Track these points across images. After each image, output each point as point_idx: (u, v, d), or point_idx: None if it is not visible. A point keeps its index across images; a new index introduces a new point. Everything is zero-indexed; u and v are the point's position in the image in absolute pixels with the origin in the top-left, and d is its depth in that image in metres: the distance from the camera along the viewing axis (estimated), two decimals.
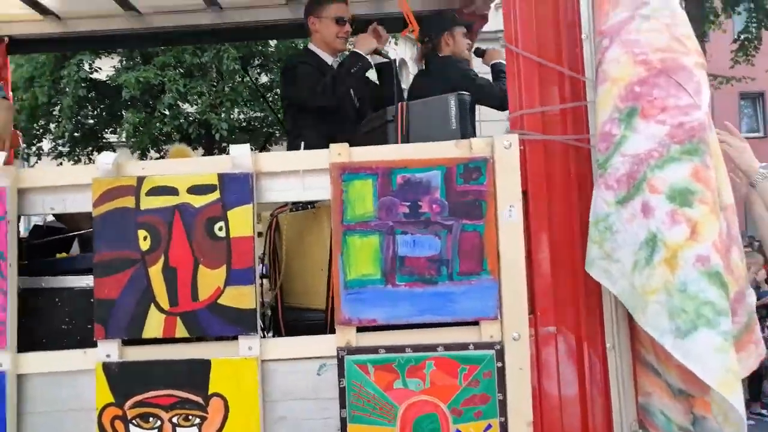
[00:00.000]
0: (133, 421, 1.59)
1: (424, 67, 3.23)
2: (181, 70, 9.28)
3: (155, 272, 1.63)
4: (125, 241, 1.63)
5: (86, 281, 1.75)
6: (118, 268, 1.63)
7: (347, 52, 3.06)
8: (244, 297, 1.62)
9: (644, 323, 1.43)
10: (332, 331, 1.70)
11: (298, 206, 2.01)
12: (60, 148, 10.17)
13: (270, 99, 10.54)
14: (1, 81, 4.02)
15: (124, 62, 9.47)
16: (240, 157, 1.67)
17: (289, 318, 1.92)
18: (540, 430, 1.64)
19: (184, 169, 1.69)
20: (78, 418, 1.62)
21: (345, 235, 1.65)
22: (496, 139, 1.69)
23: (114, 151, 11.12)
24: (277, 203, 2.03)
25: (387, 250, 1.65)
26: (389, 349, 1.62)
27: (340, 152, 1.68)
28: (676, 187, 1.41)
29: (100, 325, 1.61)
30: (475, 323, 1.65)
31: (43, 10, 4.07)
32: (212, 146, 9.63)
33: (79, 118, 9.84)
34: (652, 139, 1.45)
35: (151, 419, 1.60)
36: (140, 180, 1.65)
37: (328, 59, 2.90)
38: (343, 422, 1.60)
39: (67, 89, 8.69)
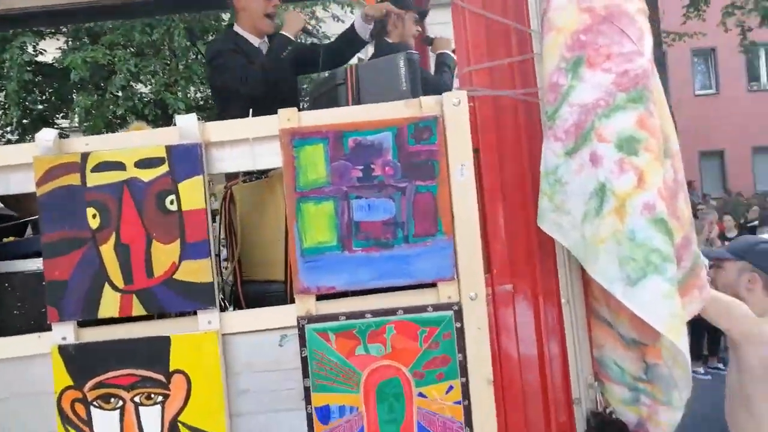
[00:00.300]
0: (94, 402, 1.57)
1: (373, 50, 3.14)
2: (132, 50, 8.98)
3: (107, 250, 1.59)
4: (73, 220, 1.59)
5: (37, 264, 1.71)
6: (67, 248, 1.59)
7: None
8: (200, 271, 1.60)
9: (595, 273, 1.46)
10: (293, 302, 1.70)
11: (251, 177, 1.98)
12: (8, 136, 9.80)
13: None
14: None
15: (70, 43, 9.10)
16: (187, 127, 1.63)
17: (248, 291, 1.90)
18: (500, 387, 1.67)
19: (130, 143, 1.64)
20: (36, 402, 1.59)
21: (299, 202, 1.63)
22: (445, 96, 1.68)
23: (67, 136, 10.82)
24: (229, 175, 2.00)
25: (342, 216, 1.64)
26: (349, 315, 1.62)
27: (289, 117, 1.66)
28: (623, 135, 1.43)
29: (53, 308, 1.57)
30: (433, 285, 1.66)
31: None
32: (168, 125, 9.37)
33: (26, 104, 9.46)
34: (598, 88, 1.46)
35: (112, 400, 1.58)
36: (84, 156, 1.60)
37: (255, 41, 2.67)
38: (307, 391, 1.60)
39: (11, 73, 8.31)
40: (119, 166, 1.61)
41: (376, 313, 1.63)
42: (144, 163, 1.61)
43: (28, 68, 8.64)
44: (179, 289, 1.60)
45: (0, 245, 1.84)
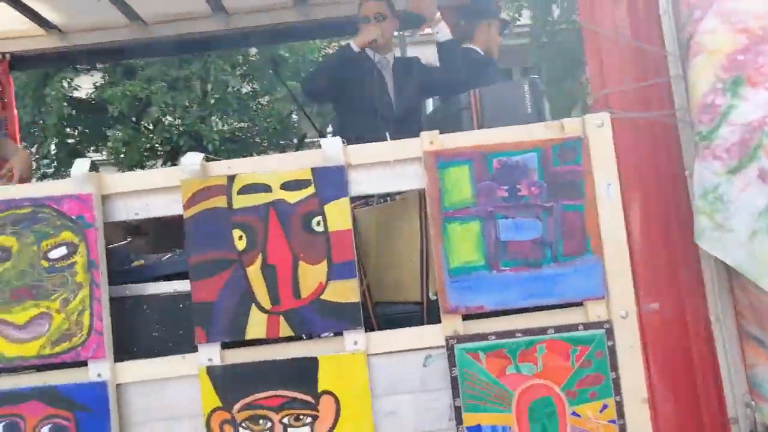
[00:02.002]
0: (243, 423, 1.54)
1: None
2: (165, 83, 9.12)
3: (254, 271, 1.57)
4: (220, 242, 1.57)
5: (173, 287, 1.69)
6: (214, 270, 1.57)
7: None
8: (347, 291, 1.58)
9: None
10: (429, 323, 1.66)
11: (372, 200, 1.97)
12: (44, 169, 9.90)
13: (253, 108, 10.46)
14: (5, 99, 3.90)
15: (108, 78, 9.27)
16: (332, 150, 1.62)
17: (378, 313, 1.87)
18: (653, 407, 1.62)
19: (274, 165, 1.64)
20: (183, 424, 1.55)
21: (445, 223, 1.61)
22: (587, 118, 1.67)
23: (97, 169, 10.92)
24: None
25: (489, 236, 1.62)
26: (500, 335, 1.59)
27: (432, 140, 1.65)
28: None
29: (201, 329, 1.55)
30: (580, 304, 1.62)
31: (46, 25, 3.96)
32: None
33: (63, 137, 9.59)
34: (763, 107, 1.45)
35: (261, 421, 1.54)
36: (231, 179, 1.59)
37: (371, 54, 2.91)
38: (458, 411, 1.56)
39: (52, 107, 8.45)
40: (265, 188, 1.60)
41: (526, 332, 1.59)
42: (290, 185, 1.60)
43: (65, 103, 8.79)
44: (326, 310, 1.57)
45: (129, 269, 1.82)
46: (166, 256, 2.37)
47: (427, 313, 1.74)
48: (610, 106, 1.76)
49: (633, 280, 1.66)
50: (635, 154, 1.74)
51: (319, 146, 1.64)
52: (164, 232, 2.61)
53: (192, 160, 1.60)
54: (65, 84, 9.04)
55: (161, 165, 10.62)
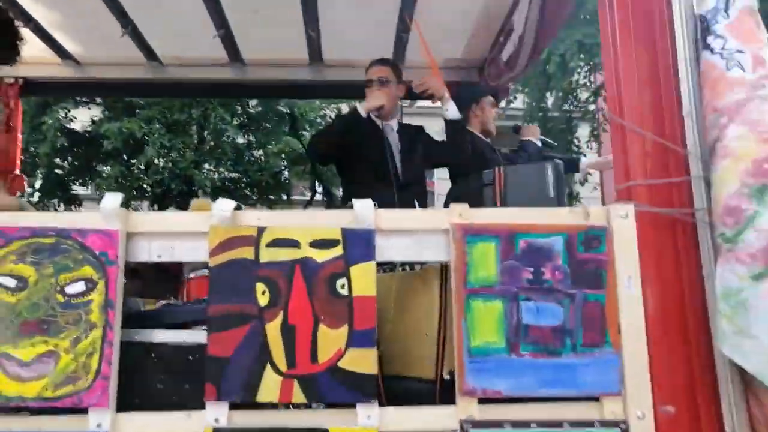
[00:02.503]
0: None
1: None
2: (163, 125, 9.17)
3: (273, 330, 1.53)
4: (243, 295, 1.54)
5: (183, 336, 1.64)
6: (233, 324, 1.53)
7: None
8: (365, 360, 1.54)
9: None
10: (441, 402, 1.62)
11: (387, 266, 1.95)
12: (27, 198, 9.72)
13: (247, 160, 10.51)
14: (11, 123, 3.87)
15: (107, 113, 9.29)
16: (363, 211, 1.62)
17: (387, 387, 1.82)
18: None
19: (304, 221, 1.63)
20: None
21: (469, 299, 1.60)
22: (612, 208, 1.71)
23: (81, 204, 10.74)
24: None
25: (511, 317, 1.61)
26: (514, 423, 1.55)
27: (461, 212, 1.66)
28: None
29: (212, 385, 1.49)
30: (595, 399, 1.60)
31: (63, 54, 3.99)
32: (188, 203, 9.41)
33: (49, 168, 9.49)
34: None
35: None
36: (261, 230, 1.57)
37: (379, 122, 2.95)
38: None
39: (47, 136, 8.39)
40: (294, 243, 1.58)
41: (541, 423, 1.55)
42: (319, 244, 1.59)
43: (59, 134, 8.74)
44: (342, 378, 1.52)
45: (140, 313, 1.76)
46: (160, 303, 2.31)
47: (441, 392, 1.70)
48: (633, 198, 1.80)
49: (650, 378, 1.66)
50: (655, 250, 1.77)
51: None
52: (160, 279, 2.55)
53: (224, 206, 1.58)
54: (62, 114, 9.04)
55: (148, 207, 10.53)
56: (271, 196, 10.37)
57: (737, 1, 1.78)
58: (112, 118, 8.86)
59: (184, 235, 1.60)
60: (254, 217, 1.62)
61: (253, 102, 10.01)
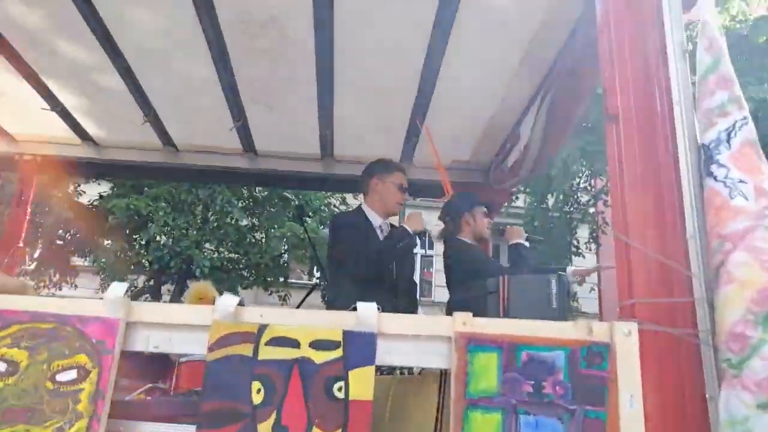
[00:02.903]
0: None
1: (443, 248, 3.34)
2: (169, 204, 9.31)
3: (265, 430, 1.49)
4: (238, 392, 1.51)
5: (169, 430, 1.59)
6: (224, 421, 1.49)
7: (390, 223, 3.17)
8: None
9: None
10: None
11: (385, 369, 1.93)
12: (24, 266, 9.72)
13: (249, 242, 10.58)
14: (23, 197, 3.94)
15: (115, 189, 9.46)
16: (366, 314, 1.62)
17: None
18: None
19: (306, 321, 1.62)
20: None
21: (467, 409, 1.57)
22: (616, 325, 1.70)
23: (77, 275, 10.70)
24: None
25: (509, 430, 1.56)
26: None
27: (465, 321, 1.66)
28: None
29: None
30: None
31: (83, 135, 4.13)
32: (186, 282, 9.39)
33: (50, 239, 9.55)
34: None
35: None
36: (262, 328, 1.57)
37: (377, 221, 2.97)
38: None
39: (52, 209, 8.52)
40: (294, 343, 1.57)
41: None
42: (319, 345, 1.57)
43: (65, 207, 8.88)
44: None
45: (125, 401, 1.72)
46: (145, 387, 2.26)
47: None
48: (635, 316, 1.80)
49: None
50: (658, 369, 1.75)
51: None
52: (148, 360, 2.49)
53: (228, 301, 1.59)
54: (71, 189, 9.21)
55: (144, 281, 10.50)
56: (269, 278, 10.36)
57: (739, 133, 1.86)
58: (121, 194, 9.02)
59: (184, 327, 1.59)
60: (257, 314, 1.62)
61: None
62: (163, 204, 8.74)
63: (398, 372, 1.89)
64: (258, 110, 3.85)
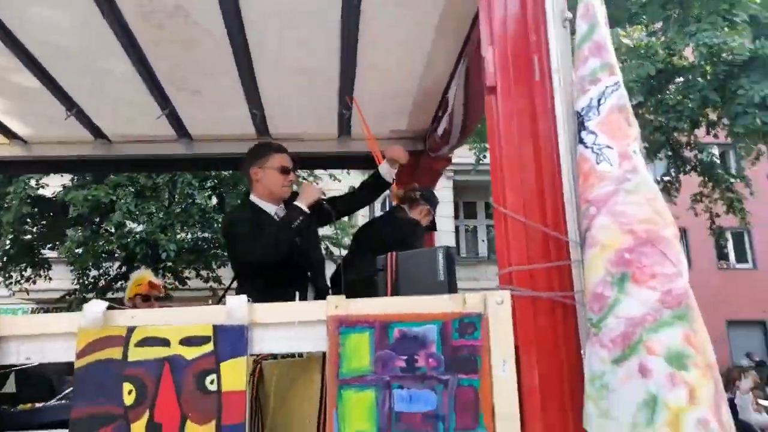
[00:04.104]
0: None
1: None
2: (132, 190, 9.24)
3: (138, 429, 1.53)
4: (108, 396, 1.54)
5: None
6: (96, 426, 1.52)
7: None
8: None
9: None
10: None
11: (284, 354, 1.96)
12: None
13: (218, 220, 10.56)
14: None
15: (75, 180, 9.36)
16: (235, 307, 1.65)
17: None
18: None
19: (176, 319, 1.65)
20: None
21: (340, 389, 1.62)
22: (489, 295, 1.74)
23: (50, 267, 10.68)
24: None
25: (383, 406, 1.62)
26: None
27: (337, 304, 1.69)
28: (672, 350, 1.48)
29: None
30: None
31: (11, 135, 4.07)
32: (157, 265, 9.40)
33: (17, 234, 9.48)
34: (645, 304, 1.54)
35: None
36: (130, 330, 1.59)
37: (271, 209, 2.85)
38: None
39: (12, 205, 8.44)
40: (164, 342, 1.60)
41: None
42: (189, 341, 1.60)
43: (28, 201, 8.80)
44: None
45: (13, 412, 1.75)
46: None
47: None
48: (514, 283, 1.84)
49: None
50: (535, 333, 1.80)
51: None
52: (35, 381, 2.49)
53: (95, 308, 1.60)
54: (33, 182, 9.11)
55: (117, 269, 10.50)
56: None
57: (608, 100, 1.87)
58: (81, 185, 8.95)
59: (55, 336, 1.61)
60: (127, 317, 1.64)
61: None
62: (125, 191, 8.68)
63: (285, 356, 1.92)
64: (183, 96, 3.80)
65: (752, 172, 13.10)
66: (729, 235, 19.74)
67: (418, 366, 1.65)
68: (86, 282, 10.18)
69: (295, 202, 2.67)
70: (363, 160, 4.43)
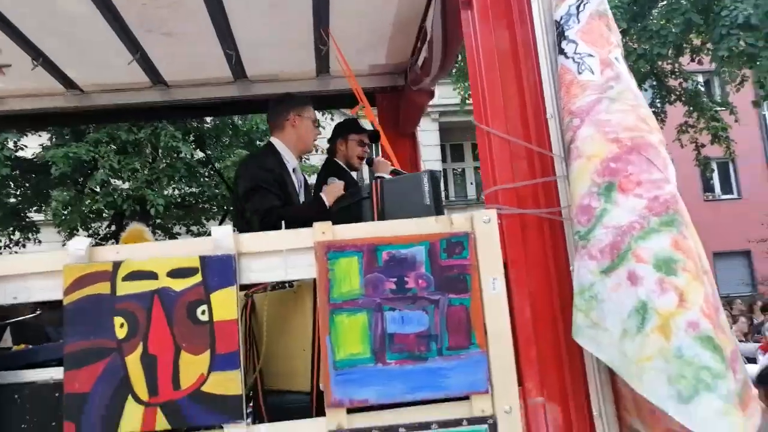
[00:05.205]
0: None
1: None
2: (114, 146, 9.07)
3: (133, 361, 1.54)
4: (100, 330, 1.54)
5: (50, 374, 1.63)
6: (90, 359, 1.53)
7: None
8: (229, 383, 1.55)
9: (642, 390, 1.46)
10: (318, 414, 1.64)
11: (275, 285, 1.97)
12: None
13: (205, 174, 10.46)
14: None
15: (54, 139, 9.16)
16: (222, 238, 1.63)
17: (269, 402, 1.83)
18: None
19: (162, 252, 1.63)
20: None
21: (332, 314, 1.62)
22: (475, 214, 1.74)
23: (38, 230, 10.60)
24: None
25: (375, 328, 1.63)
26: (383, 429, 1.58)
27: (324, 230, 1.68)
28: (660, 256, 1.48)
29: (71, 423, 1.49)
30: (465, 398, 1.63)
31: None
32: (147, 222, 9.34)
33: (0, 197, 9.34)
34: (632, 212, 1.54)
35: None
36: (116, 265, 1.58)
37: (292, 162, 2.88)
38: None
39: None
40: (151, 275, 1.58)
41: (409, 427, 1.58)
42: (177, 273, 1.59)
43: (7, 162, 8.62)
44: (206, 402, 1.53)
45: (9, 354, 1.75)
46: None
47: (317, 404, 1.71)
48: (501, 202, 1.84)
49: (519, 374, 1.69)
50: (523, 250, 1.81)
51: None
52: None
53: (77, 245, 1.58)
54: (11, 144, 8.91)
55: (106, 228, 10.43)
56: (231, 207, 10.35)
57: (588, 6, 1.82)
58: (60, 144, 8.76)
59: (40, 275, 1.59)
60: (112, 252, 1.62)
61: (207, 118, 9.96)
62: (107, 148, 8.52)
63: (275, 287, 1.93)
64: (154, 40, 3.65)
65: (736, 99, 13.07)
66: (714, 166, 19.92)
67: (408, 287, 1.66)
68: None
69: (321, 194, 2.66)
70: (344, 99, 4.36)
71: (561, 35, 1.82)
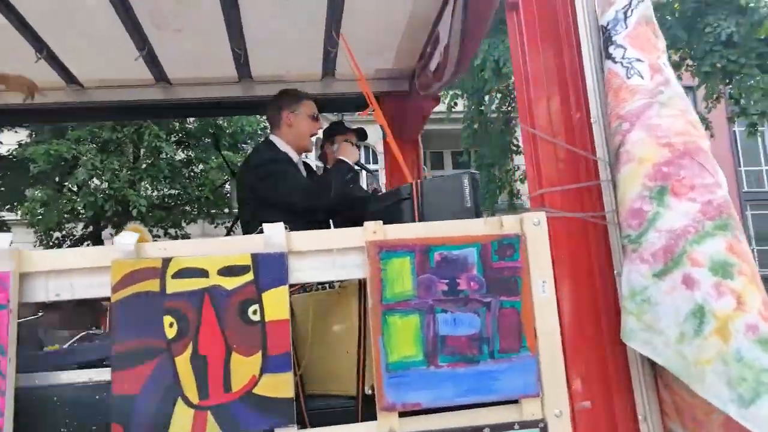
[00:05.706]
0: None
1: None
2: (95, 145, 8.87)
3: (182, 362, 1.48)
4: (149, 329, 1.48)
5: (89, 376, 1.57)
6: (139, 360, 1.47)
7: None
8: (281, 385, 1.51)
9: (704, 392, 1.46)
10: (364, 419, 1.60)
11: (314, 286, 1.93)
12: None
13: (186, 175, 10.29)
14: None
15: (34, 135, 8.91)
16: (273, 235, 1.59)
17: (310, 407, 1.79)
18: None
19: (212, 249, 1.58)
20: None
21: (385, 315, 1.59)
22: (525, 217, 1.73)
23: (9, 230, 10.27)
24: None
25: (428, 330, 1.61)
26: None
27: (375, 230, 1.65)
28: (716, 260, 1.49)
29: (119, 425, 1.42)
30: (515, 401, 1.62)
31: None
32: (127, 224, 9.14)
33: None
34: (686, 216, 1.54)
35: None
36: (166, 261, 1.52)
37: (294, 156, 2.85)
38: None
39: None
40: (202, 273, 1.54)
41: (462, 431, 1.56)
42: (228, 271, 1.55)
43: None
44: (257, 405, 1.49)
45: (42, 354, 1.67)
46: (80, 335, 2.21)
47: (364, 408, 1.68)
48: (546, 205, 1.83)
49: (566, 377, 1.69)
50: (568, 253, 1.81)
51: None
52: (80, 308, 2.44)
53: (126, 240, 1.52)
54: None
55: (82, 229, 10.16)
56: (212, 210, 10.19)
57: (635, 11, 1.84)
58: (39, 141, 8.51)
59: (83, 271, 1.53)
60: (159, 249, 1.57)
61: (190, 119, 9.81)
62: (89, 146, 8.31)
63: (320, 287, 1.89)
64: (163, 36, 3.58)
65: (712, 115, 13.40)
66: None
67: (460, 289, 1.64)
68: (50, 244, 9.84)
69: (342, 157, 2.63)
70: (348, 103, 4.34)
71: (608, 40, 1.83)
